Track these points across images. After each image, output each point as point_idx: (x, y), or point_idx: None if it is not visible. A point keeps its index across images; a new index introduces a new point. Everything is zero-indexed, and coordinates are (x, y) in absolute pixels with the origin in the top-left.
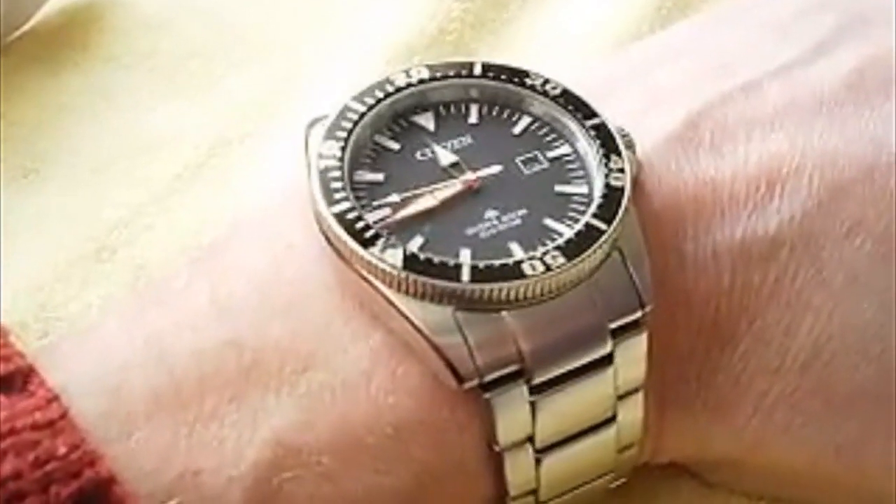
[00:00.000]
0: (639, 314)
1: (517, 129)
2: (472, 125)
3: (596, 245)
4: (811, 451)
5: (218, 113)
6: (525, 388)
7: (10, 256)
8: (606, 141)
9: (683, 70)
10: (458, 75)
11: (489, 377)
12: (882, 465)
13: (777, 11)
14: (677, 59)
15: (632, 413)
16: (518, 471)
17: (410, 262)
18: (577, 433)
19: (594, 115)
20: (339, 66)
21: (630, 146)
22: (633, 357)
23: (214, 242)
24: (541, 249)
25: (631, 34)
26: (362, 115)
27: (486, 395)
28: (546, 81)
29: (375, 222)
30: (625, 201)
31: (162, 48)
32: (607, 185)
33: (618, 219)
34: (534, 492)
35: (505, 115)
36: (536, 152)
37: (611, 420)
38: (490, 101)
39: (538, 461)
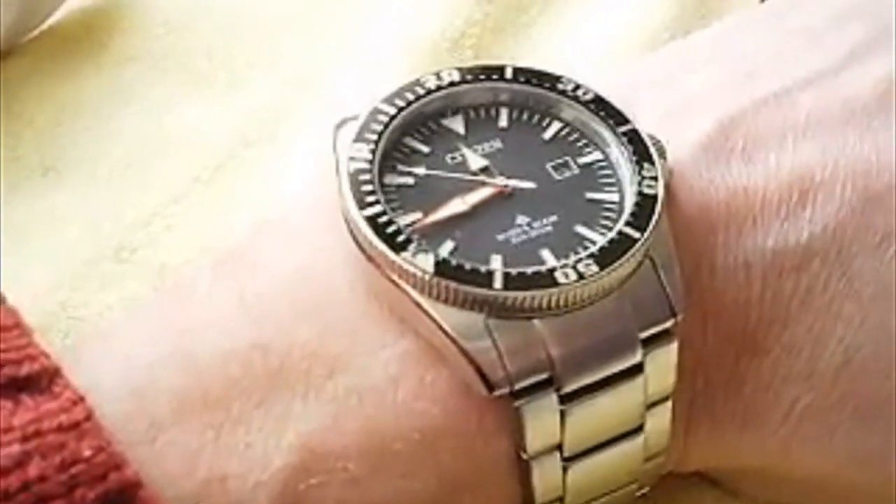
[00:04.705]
0: (670, 323)
1: (547, 135)
2: (502, 129)
3: (629, 254)
4: (838, 459)
5: (238, 114)
6: (555, 397)
7: (30, 256)
8: (639, 148)
9: (712, 77)
10: (489, 78)
11: (519, 385)
12: None
13: (804, 20)
14: (705, 66)
15: (660, 422)
16: (545, 479)
17: (442, 267)
18: (605, 442)
19: (626, 121)
20: (359, 68)
21: (662, 153)
22: (663, 366)
23: (238, 244)
24: (573, 257)
25: (652, 41)
26: (392, 118)
27: (516, 404)
28: (577, 87)
29: (406, 226)
30: (658, 210)
31: (182, 48)
32: (640, 193)
33: (651, 227)
34: (560, 499)
35: (535, 120)
36: (567, 158)
37: (639, 429)
38: (520, 106)
39: (565, 469)
